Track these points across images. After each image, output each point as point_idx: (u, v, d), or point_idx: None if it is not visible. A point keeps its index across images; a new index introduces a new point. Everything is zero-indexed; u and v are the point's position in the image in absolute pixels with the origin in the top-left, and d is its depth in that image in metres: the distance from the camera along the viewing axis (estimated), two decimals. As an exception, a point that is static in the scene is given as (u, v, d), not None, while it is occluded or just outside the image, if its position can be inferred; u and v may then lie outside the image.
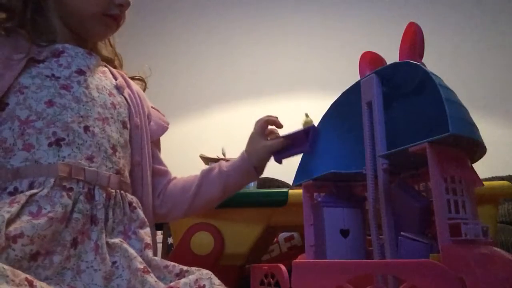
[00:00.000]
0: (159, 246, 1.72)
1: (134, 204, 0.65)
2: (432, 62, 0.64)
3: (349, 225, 0.63)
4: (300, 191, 0.70)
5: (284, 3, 2.85)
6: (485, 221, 0.52)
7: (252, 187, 1.63)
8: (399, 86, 0.61)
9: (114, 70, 0.77)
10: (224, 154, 2.55)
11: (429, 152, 0.48)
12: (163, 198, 0.78)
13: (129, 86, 0.76)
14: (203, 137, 2.54)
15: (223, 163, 0.79)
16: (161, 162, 0.80)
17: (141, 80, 0.84)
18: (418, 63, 0.56)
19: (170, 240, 1.78)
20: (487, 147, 0.53)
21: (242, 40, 2.84)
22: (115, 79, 0.74)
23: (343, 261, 0.56)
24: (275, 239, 1.34)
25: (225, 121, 2.67)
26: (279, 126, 0.78)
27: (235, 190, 0.79)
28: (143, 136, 0.74)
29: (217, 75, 2.77)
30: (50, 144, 0.59)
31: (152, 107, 0.82)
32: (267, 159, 0.78)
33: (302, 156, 0.73)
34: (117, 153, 0.66)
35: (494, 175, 1.74)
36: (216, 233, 1.03)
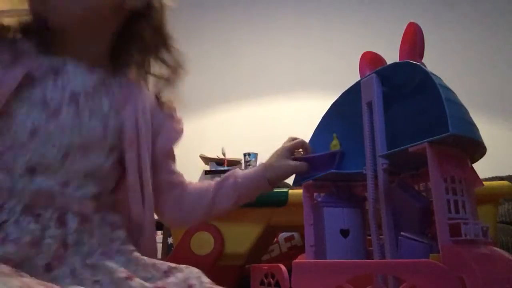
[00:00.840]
0: (159, 246, 1.72)
1: (116, 224, 0.64)
2: (432, 62, 0.64)
3: (349, 225, 0.63)
4: (300, 191, 0.70)
5: (284, 3, 2.85)
6: (485, 221, 0.52)
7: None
8: (399, 86, 0.61)
9: (123, 81, 0.71)
10: (224, 154, 2.55)
11: (429, 152, 0.48)
12: (177, 210, 0.76)
13: (134, 100, 0.71)
14: (203, 137, 2.54)
15: (238, 172, 0.77)
16: (173, 172, 0.77)
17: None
18: (418, 63, 0.56)
19: (170, 240, 1.78)
20: (487, 147, 0.53)
21: (243, 41, 2.84)
22: (119, 94, 0.69)
23: (343, 261, 0.56)
24: (275, 239, 1.34)
25: (225, 121, 2.67)
26: (308, 151, 0.76)
27: (247, 200, 0.78)
28: (141, 155, 0.70)
29: (217, 75, 2.77)
30: (26, 169, 0.58)
31: (167, 113, 0.77)
32: (285, 178, 0.76)
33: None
34: (97, 177, 0.64)
35: (494, 175, 1.74)
36: (216, 233, 1.03)
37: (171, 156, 0.78)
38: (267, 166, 0.75)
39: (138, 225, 0.67)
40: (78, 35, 0.66)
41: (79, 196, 0.61)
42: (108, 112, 0.66)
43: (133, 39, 0.71)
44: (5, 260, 0.49)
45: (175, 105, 0.77)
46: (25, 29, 0.64)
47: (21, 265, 0.51)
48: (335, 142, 0.70)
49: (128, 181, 0.67)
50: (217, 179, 0.78)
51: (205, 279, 0.54)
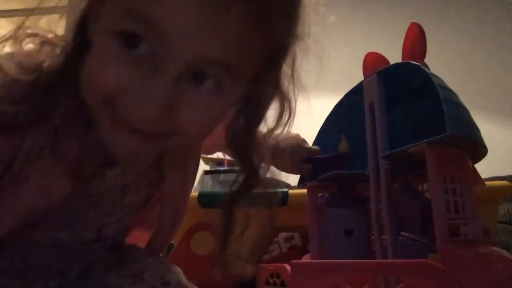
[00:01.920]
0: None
1: None
2: (433, 62, 0.64)
3: (353, 225, 0.63)
4: (300, 191, 0.71)
5: (284, 3, 2.86)
6: (485, 221, 0.52)
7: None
8: (400, 86, 0.61)
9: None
10: (224, 154, 2.54)
11: (427, 153, 0.48)
12: None
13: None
14: (203, 137, 2.53)
15: None
16: None
17: None
18: (418, 64, 0.56)
19: (170, 240, 1.77)
20: (487, 147, 0.53)
21: (243, 40, 2.85)
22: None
23: (341, 261, 0.56)
24: (275, 239, 1.34)
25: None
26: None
27: None
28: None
29: (217, 75, 2.77)
30: (51, 244, 0.54)
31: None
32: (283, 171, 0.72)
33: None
34: (126, 231, 0.63)
35: (494, 175, 1.74)
36: (216, 233, 1.03)
37: None
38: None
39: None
40: None
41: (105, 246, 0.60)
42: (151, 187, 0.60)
43: None
44: None
45: None
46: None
47: None
48: (343, 143, 0.69)
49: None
50: None
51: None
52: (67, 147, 0.44)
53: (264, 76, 0.47)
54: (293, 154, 0.70)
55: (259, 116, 0.50)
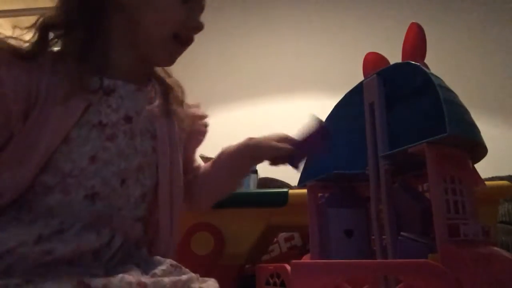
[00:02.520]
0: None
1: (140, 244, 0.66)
2: (433, 62, 0.64)
3: (353, 225, 0.63)
4: (300, 191, 0.71)
5: (284, 3, 2.85)
6: (485, 221, 0.52)
7: (252, 187, 1.63)
8: (400, 87, 0.61)
9: (159, 92, 0.73)
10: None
11: (427, 153, 0.48)
12: (195, 195, 0.80)
13: (167, 115, 0.72)
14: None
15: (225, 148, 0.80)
16: (193, 162, 0.83)
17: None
18: (418, 64, 0.56)
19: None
20: (487, 147, 0.53)
21: (243, 40, 2.84)
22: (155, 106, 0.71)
23: (341, 261, 0.56)
24: (275, 239, 1.34)
25: (225, 121, 2.67)
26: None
27: (238, 172, 0.79)
28: (173, 162, 0.71)
29: (217, 76, 2.77)
30: (86, 196, 0.60)
31: (193, 114, 0.81)
32: (263, 158, 0.76)
33: (306, 157, 0.73)
34: (145, 200, 0.66)
35: (494, 175, 1.74)
36: (216, 233, 1.03)
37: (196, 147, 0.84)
38: (252, 141, 0.77)
39: (164, 235, 0.68)
40: (133, 58, 0.68)
41: (130, 219, 0.64)
42: (154, 131, 0.68)
43: None
44: (64, 258, 0.54)
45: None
46: (80, 51, 0.63)
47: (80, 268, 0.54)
48: (313, 118, 0.69)
49: (160, 193, 0.68)
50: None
51: None
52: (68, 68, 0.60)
53: None
54: (266, 138, 0.76)
55: None
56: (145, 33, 0.66)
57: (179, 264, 0.62)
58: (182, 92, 0.79)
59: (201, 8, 0.71)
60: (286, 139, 0.74)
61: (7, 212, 0.57)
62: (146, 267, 0.60)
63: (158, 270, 0.58)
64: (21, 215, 0.57)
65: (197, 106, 0.84)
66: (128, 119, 0.65)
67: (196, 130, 0.81)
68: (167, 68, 0.77)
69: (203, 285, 0.60)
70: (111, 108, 0.63)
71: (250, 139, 0.77)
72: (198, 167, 0.83)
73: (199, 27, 0.69)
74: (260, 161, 0.77)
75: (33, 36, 0.61)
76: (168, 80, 0.76)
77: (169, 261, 0.62)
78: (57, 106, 0.58)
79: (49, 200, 0.58)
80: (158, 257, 0.63)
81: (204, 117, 0.84)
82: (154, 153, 0.67)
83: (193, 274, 0.61)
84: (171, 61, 0.70)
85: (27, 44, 0.60)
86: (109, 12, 0.65)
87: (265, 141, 0.75)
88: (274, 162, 0.75)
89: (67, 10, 0.63)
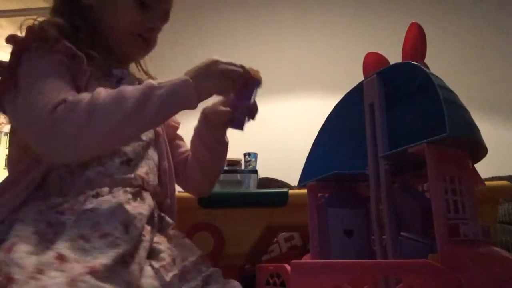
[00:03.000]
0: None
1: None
2: (433, 62, 0.64)
3: (353, 225, 0.63)
4: (300, 191, 0.71)
5: (285, 3, 2.85)
6: (485, 221, 0.52)
7: (252, 187, 1.63)
8: (400, 87, 0.61)
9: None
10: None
11: (427, 153, 0.48)
12: (186, 177, 0.90)
13: None
14: (203, 137, 2.53)
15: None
16: (181, 147, 0.93)
17: None
18: (418, 64, 0.56)
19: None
20: (487, 147, 0.53)
21: (243, 40, 2.84)
22: None
23: (341, 261, 0.56)
24: (275, 239, 1.34)
25: (225, 121, 2.67)
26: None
27: (211, 143, 0.84)
28: (166, 140, 0.84)
29: (217, 75, 2.77)
30: (122, 163, 0.70)
31: None
32: (219, 125, 0.81)
33: (307, 158, 0.73)
34: (157, 174, 0.78)
35: (494, 175, 1.74)
36: (216, 233, 1.03)
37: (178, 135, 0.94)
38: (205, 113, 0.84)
39: (170, 201, 0.81)
40: (134, 53, 0.82)
41: (154, 182, 0.76)
42: None
43: None
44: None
45: None
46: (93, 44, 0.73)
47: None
48: (253, 71, 0.76)
49: (162, 165, 0.80)
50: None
51: None
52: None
53: None
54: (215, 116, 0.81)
55: None
56: (107, 31, 0.76)
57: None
58: None
59: (161, 11, 0.79)
60: (225, 102, 0.80)
61: (50, 186, 0.66)
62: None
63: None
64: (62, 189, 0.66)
65: None
66: None
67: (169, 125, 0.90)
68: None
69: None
70: (115, 78, 0.77)
71: (205, 109, 0.82)
72: (187, 150, 0.91)
73: (153, 29, 0.79)
74: (220, 127, 0.82)
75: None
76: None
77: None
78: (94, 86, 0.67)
79: (89, 173, 0.67)
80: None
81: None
82: (153, 132, 0.79)
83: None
84: (135, 55, 0.84)
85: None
86: (84, 13, 0.74)
87: (214, 108, 0.80)
88: (227, 126, 0.81)
89: (65, 15, 0.73)
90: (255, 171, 2.29)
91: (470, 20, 2.56)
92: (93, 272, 0.50)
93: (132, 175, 0.70)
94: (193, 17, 2.82)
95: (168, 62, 2.80)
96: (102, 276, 0.50)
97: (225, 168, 2.45)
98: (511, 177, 1.75)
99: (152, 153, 0.78)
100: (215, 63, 0.70)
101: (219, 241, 1.02)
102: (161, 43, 0.80)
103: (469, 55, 2.50)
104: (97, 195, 0.64)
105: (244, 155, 2.64)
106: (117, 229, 0.59)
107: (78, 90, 0.67)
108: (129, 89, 0.63)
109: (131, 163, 0.71)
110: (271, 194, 1.07)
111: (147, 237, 0.64)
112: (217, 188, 0.98)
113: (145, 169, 0.74)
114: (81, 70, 0.68)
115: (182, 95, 0.65)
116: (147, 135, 0.76)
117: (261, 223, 1.04)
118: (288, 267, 0.66)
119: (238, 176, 2.39)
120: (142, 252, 0.60)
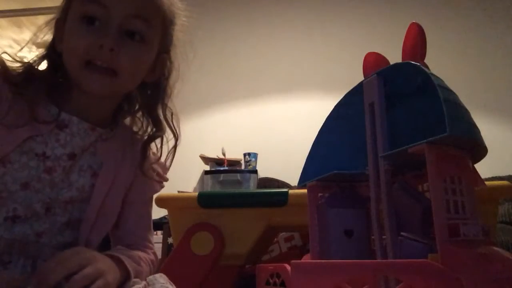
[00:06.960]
0: (159, 246, 1.72)
1: None
2: (433, 62, 0.64)
3: (353, 225, 0.63)
4: (300, 191, 0.71)
5: (284, 3, 2.85)
6: (485, 221, 0.52)
7: (252, 187, 1.63)
8: (400, 87, 0.61)
9: (117, 136, 0.71)
10: (224, 154, 2.55)
11: (427, 153, 0.48)
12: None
13: (121, 162, 0.71)
14: (203, 137, 2.54)
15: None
16: (131, 231, 0.74)
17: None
18: (418, 64, 0.56)
19: (170, 240, 1.78)
20: (487, 147, 0.53)
21: (242, 40, 2.85)
22: (108, 152, 0.70)
23: (341, 261, 0.56)
24: (275, 239, 1.34)
25: (225, 121, 2.67)
26: None
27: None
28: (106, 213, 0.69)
29: (217, 76, 2.77)
30: (5, 219, 0.60)
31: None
32: None
33: (307, 158, 0.73)
34: (70, 228, 0.66)
35: (494, 175, 1.74)
36: (216, 233, 1.03)
37: (144, 208, 0.77)
38: None
39: None
40: (94, 97, 0.66)
41: (53, 245, 0.64)
42: (97, 170, 0.69)
43: (136, 98, 0.74)
44: None
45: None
46: (42, 75, 0.66)
47: None
48: None
49: (82, 227, 0.67)
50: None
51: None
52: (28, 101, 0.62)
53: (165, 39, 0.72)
54: None
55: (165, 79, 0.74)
56: (66, 64, 0.64)
57: None
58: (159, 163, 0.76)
59: (119, 18, 0.61)
60: None
61: None
62: None
63: None
64: None
65: (165, 167, 0.78)
66: (71, 156, 0.65)
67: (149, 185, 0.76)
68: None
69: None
70: (59, 143, 0.64)
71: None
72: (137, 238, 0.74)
73: (103, 45, 0.60)
74: None
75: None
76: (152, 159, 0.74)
77: None
78: (4, 128, 0.59)
79: None
80: None
81: (164, 179, 0.79)
82: (92, 189, 0.67)
83: None
84: (96, 89, 0.63)
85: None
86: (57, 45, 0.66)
87: None
88: None
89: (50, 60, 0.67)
90: (255, 171, 2.30)
91: (470, 20, 2.56)
92: None
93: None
94: (191, 18, 2.82)
95: (168, 62, 2.80)
96: None
97: (225, 168, 2.47)
98: (511, 177, 1.75)
99: (72, 211, 0.66)
100: None
101: (219, 241, 1.02)
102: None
103: (469, 55, 2.50)
104: None
105: (244, 155, 2.64)
106: None
107: None
108: None
109: (18, 220, 0.61)
110: (271, 194, 1.07)
111: None
112: (217, 188, 0.98)
113: (39, 230, 0.63)
114: None
115: None
116: (64, 194, 0.64)
117: (261, 223, 1.04)
118: (288, 267, 0.66)
119: (238, 176, 2.40)
120: None
